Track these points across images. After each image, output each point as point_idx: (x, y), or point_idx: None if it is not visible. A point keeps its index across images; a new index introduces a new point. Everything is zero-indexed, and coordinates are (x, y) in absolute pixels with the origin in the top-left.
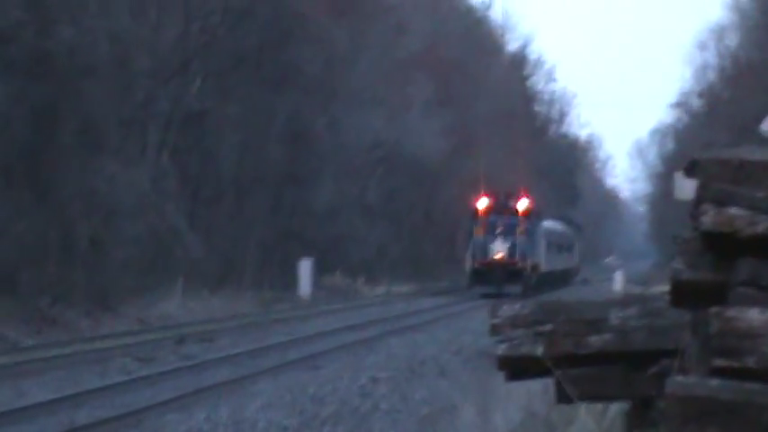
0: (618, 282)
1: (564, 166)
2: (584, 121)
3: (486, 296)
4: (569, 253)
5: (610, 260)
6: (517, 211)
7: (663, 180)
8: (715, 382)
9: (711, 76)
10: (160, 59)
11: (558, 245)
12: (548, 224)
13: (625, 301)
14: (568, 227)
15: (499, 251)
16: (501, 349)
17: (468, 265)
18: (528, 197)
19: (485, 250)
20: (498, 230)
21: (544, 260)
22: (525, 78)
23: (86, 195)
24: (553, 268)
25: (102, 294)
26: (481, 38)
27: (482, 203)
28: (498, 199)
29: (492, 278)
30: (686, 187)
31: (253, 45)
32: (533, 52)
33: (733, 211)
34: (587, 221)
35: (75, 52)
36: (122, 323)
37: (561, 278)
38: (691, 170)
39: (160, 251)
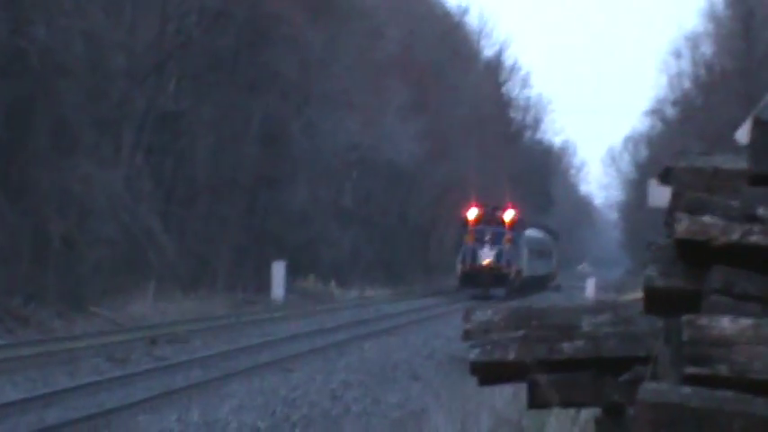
0: (590, 289)
1: (538, 171)
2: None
3: (474, 297)
4: (548, 259)
5: (582, 267)
6: (504, 221)
7: (636, 187)
8: (687, 389)
9: (686, 84)
10: (135, 60)
11: (539, 252)
12: (529, 233)
13: (597, 307)
14: (547, 235)
15: (487, 258)
16: (473, 354)
17: (458, 269)
18: (513, 209)
19: (474, 256)
20: (486, 239)
21: (526, 266)
22: (501, 84)
23: (60, 195)
24: (534, 273)
25: (75, 295)
26: (457, 43)
27: (472, 214)
28: (487, 210)
29: (480, 281)
30: (660, 195)
31: (228, 47)
32: (509, 58)
33: (707, 219)
34: (560, 228)
35: (50, 52)
36: (95, 324)
37: (541, 282)
38: (664, 178)
39: (133, 252)
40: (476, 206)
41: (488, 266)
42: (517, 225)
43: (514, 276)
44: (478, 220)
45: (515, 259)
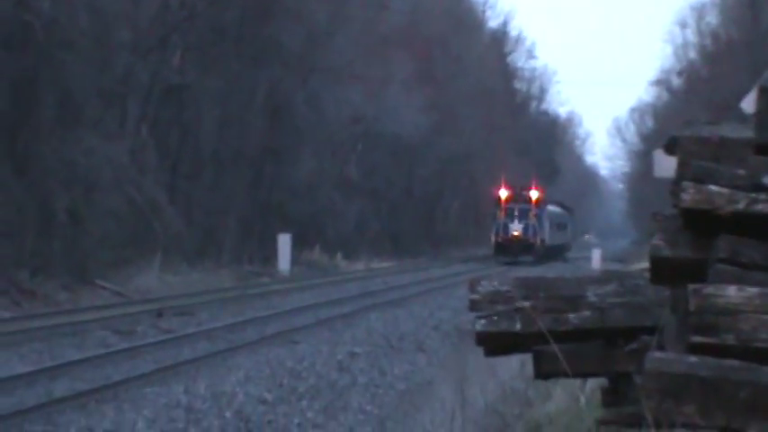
0: (596, 259)
1: (544, 142)
2: (565, 98)
3: (506, 264)
4: (565, 231)
5: (587, 238)
6: (530, 199)
7: (642, 158)
8: (693, 358)
9: (692, 54)
10: (140, 33)
11: (558, 224)
12: (550, 209)
13: (603, 278)
14: (564, 210)
15: (516, 230)
16: (479, 325)
17: (492, 240)
18: (537, 189)
19: (506, 229)
20: (515, 214)
21: (548, 237)
22: (506, 55)
23: (65, 168)
24: (554, 243)
25: (81, 267)
26: (462, 14)
27: (503, 194)
28: (515, 190)
29: (511, 250)
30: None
31: (233, 19)
32: (514, 29)
33: (713, 188)
34: (566, 199)
35: (55, 25)
36: (101, 296)
37: (559, 250)
38: (670, 148)
39: (139, 225)
40: (506, 187)
41: (518, 237)
42: (541, 202)
43: (539, 245)
44: (509, 199)
45: (539, 231)
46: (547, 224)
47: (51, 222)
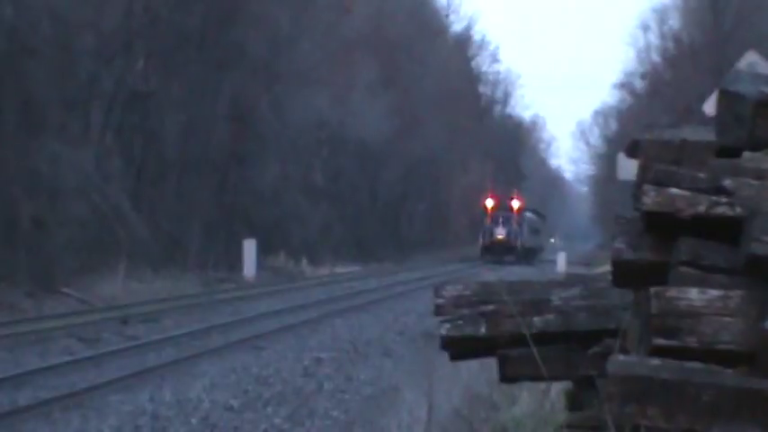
0: (561, 263)
1: (508, 146)
2: (529, 102)
3: (492, 263)
4: (539, 235)
5: (552, 241)
6: (512, 208)
7: (606, 161)
8: (656, 361)
9: (654, 57)
10: (103, 39)
11: (534, 229)
12: (528, 215)
13: (567, 281)
14: (538, 217)
15: (501, 234)
16: (444, 329)
17: (480, 243)
18: (519, 199)
19: (492, 234)
20: (500, 221)
21: (526, 240)
22: (470, 59)
23: (29, 175)
24: (531, 245)
25: (45, 275)
26: (425, 18)
27: (489, 203)
28: (500, 200)
29: (496, 251)
30: (628, 168)
31: (196, 25)
32: (477, 33)
33: (674, 191)
34: (531, 203)
35: (17, 32)
36: (65, 304)
37: (535, 252)
38: (632, 151)
39: (103, 231)
40: (492, 197)
41: (502, 241)
42: (521, 210)
43: (519, 247)
44: (494, 207)
45: (520, 235)
46: (526, 229)
47: (15, 230)
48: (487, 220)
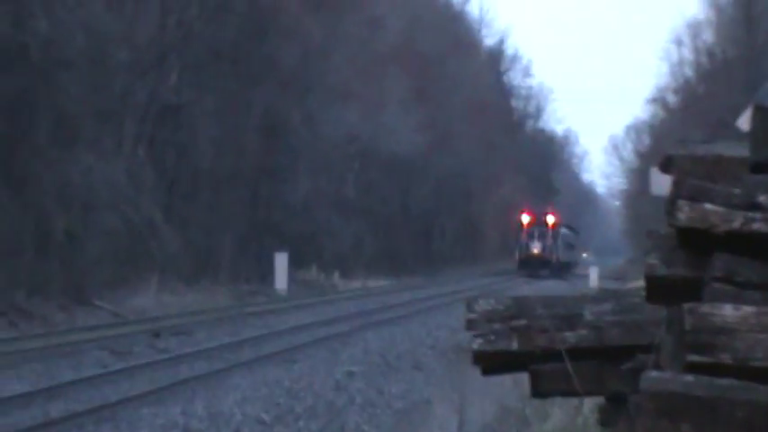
0: (593, 277)
1: (540, 161)
2: (561, 116)
3: (528, 276)
4: (573, 250)
5: (584, 256)
6: (547, 223)
7: (638, 176)
8: (689, 377)
9: (688, 71)
10: (137, 52)
11: (568, 244)
12: (563, 231)
13: (600, 296)
14: (573, 232)
15: (536, 248)
16: (476, 344)
17: (516, 256)
18: (554, 215)
19: (528, 248)
20: (536, 236)
21: (561, 254)
22: (502, 73)
23: (62, 188)
24: (566, 260)
25: (78, 287)
26: (458, 33)
27: (525, 219)
28: (536, 215)
29: (531, 265)
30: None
31: (229, 39)
32: (510, 47)
33: (708, 206)
34: (564, 218)
35: (51, 45)
36: (98, 316)
37: (569, 266)
38: (666, 166)
39: (136, 244)
40: (528, 213)
41: (538, 255)
42: (556, 226)
43: (555, 261)
44: (530, 223)
45: (555, 250)
46: (560, 243)
47: (48, 242)
48: (523, 235)
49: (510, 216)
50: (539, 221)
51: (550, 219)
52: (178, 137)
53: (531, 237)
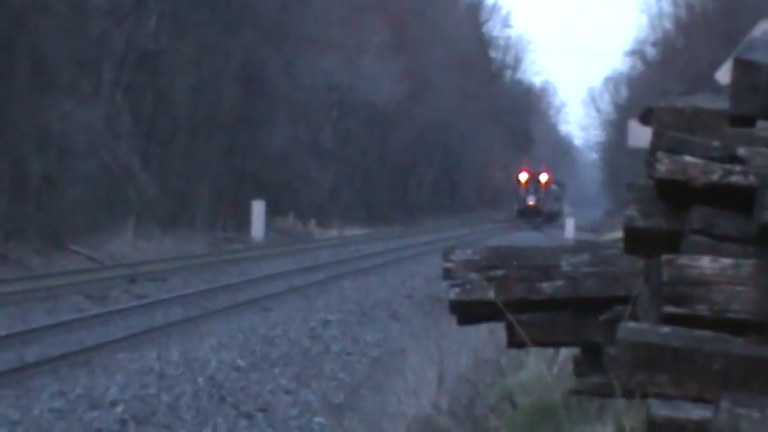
0: (569, 229)
1: (518, 112)
2: (539, 67)
3: (525, 223)
4: (560, 201)
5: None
6: (540, 181)
7: (616, 128)
8: (666, 329)
9: (667, 24)
10: None
11: (556, 197)
12: (552, 186)
13: (577, 247)
14: (560, 187)
15: (531, 201)
16: (453, 294)
17: (516, 207)
18: (547, 173)
19: (524, 200)
20: (531, 190)
21: (551, 205)
22: (481, 24)
23: (39, 133)
24: (554, 210)
25: (55, 232)
26: None
27: (524, 176)
28: (532, 173)
29: (527, 214)
30: (640, 135)
31: None
32: None
33: (687, 159)
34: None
35: None
36: (74, 261)
37: (556, 215)
38: (645, 118)
39: (113, 190)
40: (526, 171)
41: (532, 206)
42: (548, 182)
43: (545, 211)
44: (528, 180)
45: (546, 201)
46: (551, 197)
47: (25, 187)
48: (522, 190)
49: (486, 168)
50: (534, 179)
51: (543, 177)
52: (156, 83)
53: (527, 191)
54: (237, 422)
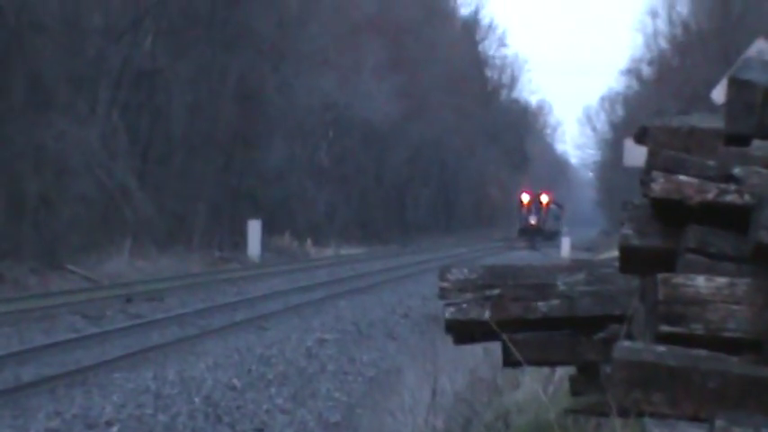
0: (565, 248)
1: (514, 130)
2: (535, 86)
3: (526, 242)
4: (559, 221)
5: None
6: (541, 202)
7: (612, 147)
8: (661, 348)
9: (662, 43)
10: (112, 16)
11: (556, 217)
12: (552, 207)
13: (573, 266)
14: (559, 207)
15: (533, 220)
16: (449, 313)
17: (518, 226)
18: (547, 194)
19: (527, 219)
20: (533, 210)
21: (550, 225)
22: (477, 43)
23: (36, 152)
24: (554, 229)
25: (51, 252)
26: (433, 1)
27: (525, 197)
28: (533, 194)
29: (529, 233)
30: (636, 154)
31: (205, 4)
32: (485, 17)
33: (682, 178)
34: (536, 186)
35: (26, 8)
36: (70, 281)
37: (555, 234)
38: (640, 137)
39: (109, 209)
40: (528, 193)
41: (533, 225)
42: (548, 203)
43: (546, 230)
44: (529, 201)
45: (546, 221)
46: (550, 217)
47: (21, 206)
48: (524, 210)
49: (482, 186)
50: (535, 199)
51: (544, 198)
52: (152, 102)
53: (529, 211)
54: None
